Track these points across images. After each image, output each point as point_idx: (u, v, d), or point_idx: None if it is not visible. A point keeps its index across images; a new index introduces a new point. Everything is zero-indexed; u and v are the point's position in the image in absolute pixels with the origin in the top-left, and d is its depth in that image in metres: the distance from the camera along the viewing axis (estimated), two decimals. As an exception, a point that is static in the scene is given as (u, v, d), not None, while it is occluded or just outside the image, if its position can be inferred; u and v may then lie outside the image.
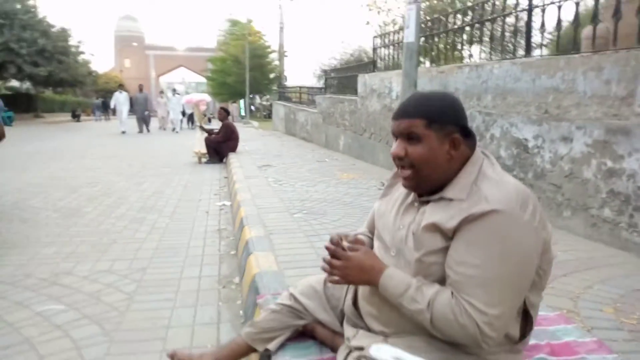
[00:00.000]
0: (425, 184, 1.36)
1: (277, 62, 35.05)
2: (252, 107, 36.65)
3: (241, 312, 2.76)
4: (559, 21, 4.06)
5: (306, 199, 5.06)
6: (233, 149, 9.77)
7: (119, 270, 3.41)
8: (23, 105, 26.02)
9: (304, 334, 1.84)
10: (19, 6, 24.03)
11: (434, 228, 1.29)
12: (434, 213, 1.31)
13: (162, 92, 22.57)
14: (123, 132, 17.50)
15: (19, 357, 2.26)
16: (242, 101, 31.62)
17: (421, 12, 5.81)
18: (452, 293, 1.23)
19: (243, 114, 30.34)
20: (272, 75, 34.72)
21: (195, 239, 4.21)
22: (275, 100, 20.85)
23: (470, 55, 5.73)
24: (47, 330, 2.53)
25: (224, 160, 9.40)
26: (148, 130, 18.47)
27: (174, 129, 19.47)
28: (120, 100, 18.16)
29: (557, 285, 2.58)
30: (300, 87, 16.65)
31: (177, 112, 19.89)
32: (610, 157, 3.28)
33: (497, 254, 1.20)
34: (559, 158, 3.76)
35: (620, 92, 3.20)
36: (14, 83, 27.91)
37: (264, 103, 37.17)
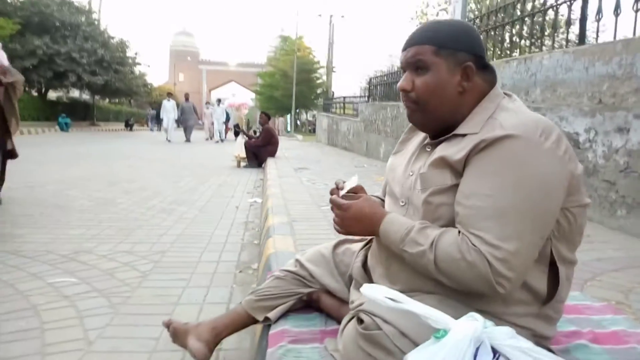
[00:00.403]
0: (434, 119, 1.19)
1: (324, 77, 35.39)
2: (298, 122, 36.97)
3: (261, 285, 2.60)
4: (617, 6, 3.74)
5: (338, 195, 4.87)
6: (272, 153, 9.72)
7: (139, 251, 3.34)
8: (80, 113, 27.29)
9: (309, 306, 1.66)
10: (83, 19, 25.39)
11: (443, 163, 1.12)
12: (444, 150, 1.14)
13: (208, 102, 22.43)
14: (169, 141, 17.15)
15: (20, 322, 2.20)
16: (288, 116, 31.95)
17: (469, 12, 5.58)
18: (459, 232, 1.04)
19: (289, 129, 30.58)
20: (319, 90, 34.99)
21: (220, 229, 4.11)
22: (320, 113, 20.87)
23: (520, 49, 5.42)
24: (54, 299, 2.48)
25: (263, 165, 9.36)
26: (188, 140, 17.90)
27: (217, 141, 19.03)
28: (167, 108, 18.08)
29: (605, 278, 2.27)
30: (344, 97, 16.57)
31: (221, 122, 19.60)
32: (673, 146, 2.93)
33: (511, 181, 1.00)
34: (613, 151, 3.41)
35: (686, 73, 2.86)
36: (74, 93, 29.31)
37: (310, 118, 37.42)
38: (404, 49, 1.21)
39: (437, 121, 1.19)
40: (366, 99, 12.84)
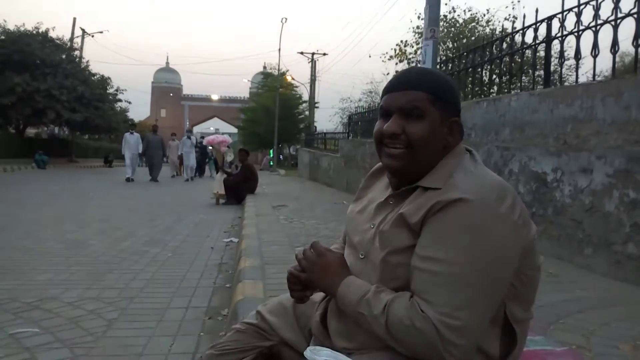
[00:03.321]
0: (418, 167, 1.15)
1: (307, 113, 35.77)
2: (281, 157, 37.13)
3: (222, 338, 2.55)
4: (578, 51, 3.91)
5: (314, 235, 4.87)
6: (252, 190, 9.71)
7: (106, 298, 3.27)
8: (58, 150, 26.95)
9: (270, 358, 1.63)
10: (64, 56, 25.44)
11: (401, 222, 1.11)
12: (405, 206, 1.13)
13: (174, 134, 19.41)
14: (128, 180, 14.78)
15: (-25, 378, 2.10)
16: (271, 151, 32.06)
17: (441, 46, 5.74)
18: (412, 294, 1.03)
19: (272, 163, 30.64)
20: (301, 125, 35.30)
21: (192, 271, 4.05)
22: (302, 148, 21.00)
23: (490, 90, 5.58)
24: (15, 352, 2.39)
25: (242, 202, 9.33)
26: (155, 179, 15.51)
27: (187, 179, 16.65)
28: (130, 142, 15.43)
29: (569, 320, 2.29)
30: (325, 133, 16.73)
31: (191, 158, 17.20)
32: (633, 188, 3.01)
33: (465, 247, 1.00)
34: (579, 191, 3.49)
35: (642, 117, 2.97)
36: (53, 129, 29.09)
37: (292, 153, 37.60)
38: (396, 89, 1.16)
39: (418, 170, 1.15)
40: (346, 135, 12.99)
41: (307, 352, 0.97)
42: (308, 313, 1.56)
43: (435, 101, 1.12)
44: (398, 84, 1.17)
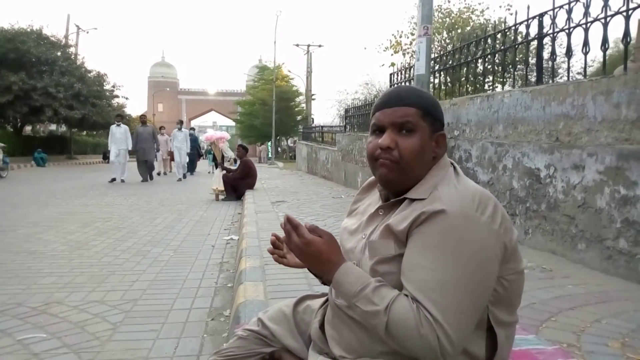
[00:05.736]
0: (408, 180, 1.22)
1: (304, 105, 35.77)
2: (279, 149, 37.15)
3: (225, 344, 2.62)
4: (569, 48, 3.95)
5: (312, 233, 4.94)
6: (251, 186, 9.77)
7: (110, 300, 3.33)
8: (57, 148, 27.01)
9: (271, 364, 1.70)
10: (59, 53, 25.39)
11: (388, 232, 1.18)
12: (392, 217, 1.21)
13: (162, 127, 17.74)
14: (113, 180, 13.03)
15: (-14, 386, 2.17)
16: (269, 143, 32.12)
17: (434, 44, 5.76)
18: (411, 299, 1.08)
19: (270, 155, 30.69)
20: (299, 118, 35.29)
21: (194, 271, 4.12)
22: (300, 141, 21.02)
23: (484, 86, 5.63)
24: (23, 358, 2.45)
25: (242, 197, 9.39)
26: (151, 178, 14.10)
27: (179, 179, 14.66)
28: (116, 135, 13.15)
29: (561, 318, 2.36)
30: (322, 127, 16.75)
31: (183, 153, 15.28)
32: (624, 184, 3.08)
33: (450, 256, 1.07)
34: (571, 187, 3.56)
35: (631, 115, 3.03)
36: (51, 127, 29.09)
37: (290, 145, 37.64)
38: (388, 106, 1.22)
39: (409, 182, 1.22)
40: (343, 128, 13.03)
41: None
42: (307, 320, 1.63)
43: (424, 116, 1.20)
44: (389, 100, 1.24)
